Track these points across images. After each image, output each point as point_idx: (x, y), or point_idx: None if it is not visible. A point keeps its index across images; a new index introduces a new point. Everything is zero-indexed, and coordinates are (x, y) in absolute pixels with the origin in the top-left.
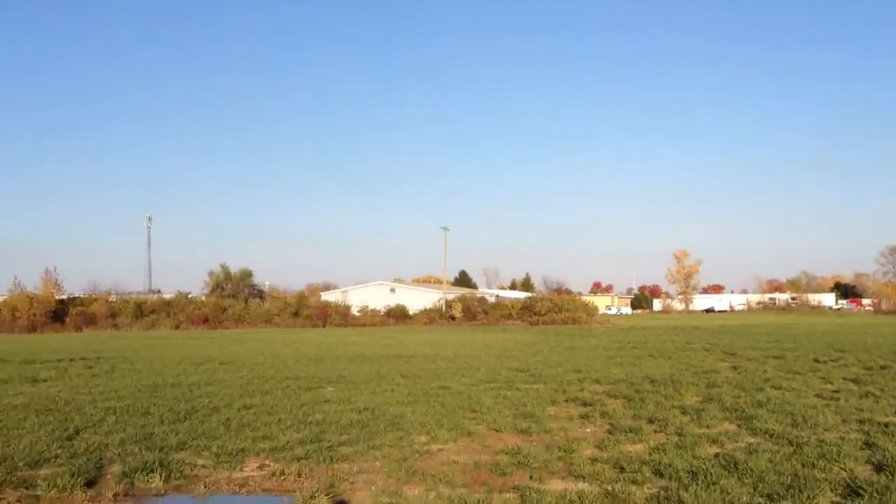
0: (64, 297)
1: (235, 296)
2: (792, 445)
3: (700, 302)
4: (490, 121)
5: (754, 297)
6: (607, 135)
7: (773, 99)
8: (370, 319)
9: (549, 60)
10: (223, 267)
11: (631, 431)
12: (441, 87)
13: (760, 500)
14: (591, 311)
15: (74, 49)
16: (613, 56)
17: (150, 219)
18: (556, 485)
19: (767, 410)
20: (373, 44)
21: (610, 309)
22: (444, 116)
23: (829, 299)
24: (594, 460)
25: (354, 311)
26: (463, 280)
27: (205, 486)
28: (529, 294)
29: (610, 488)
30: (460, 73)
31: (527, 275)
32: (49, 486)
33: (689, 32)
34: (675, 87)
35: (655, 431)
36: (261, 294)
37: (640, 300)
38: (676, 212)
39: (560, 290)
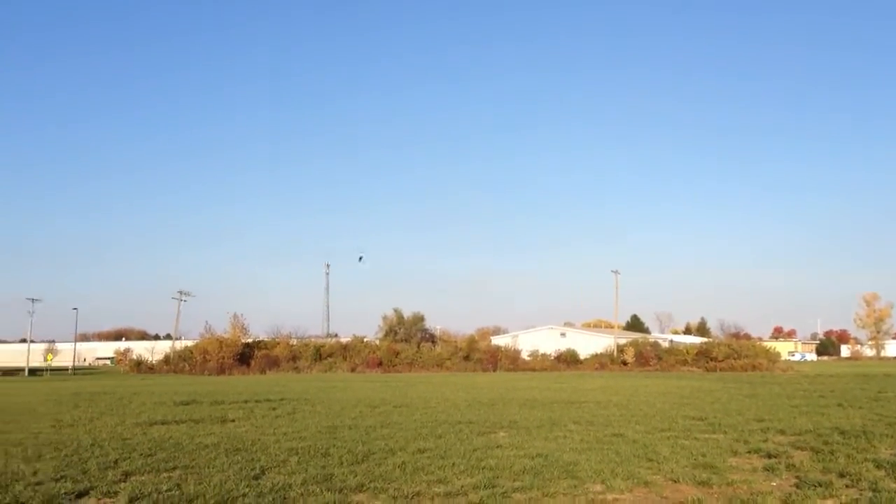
0: (249, 340)
1: (408, 340)
2: None
3: (893, 348)
4: (666, 158)
5: None
6: (786, 174)
7: None
8: (540, 364)
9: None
10: (396, 311)
11: (820, 486)
12: (614, 126)
13: None
14: (772, 357)
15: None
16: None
17: (328, 265)
18: None
19: None
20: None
21: (793, 355)
22: (617, 156)
23: None
24: None
25: (524, 355)
26: (635, 324)
27: None
28: (705, 339)
29: None
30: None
31: (702, 319)
32: None
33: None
34: (851, 126)
35: (847, 486)
36: (432, 338)
37: (826, 346)
38: (863, 253)
39: (738, 336)
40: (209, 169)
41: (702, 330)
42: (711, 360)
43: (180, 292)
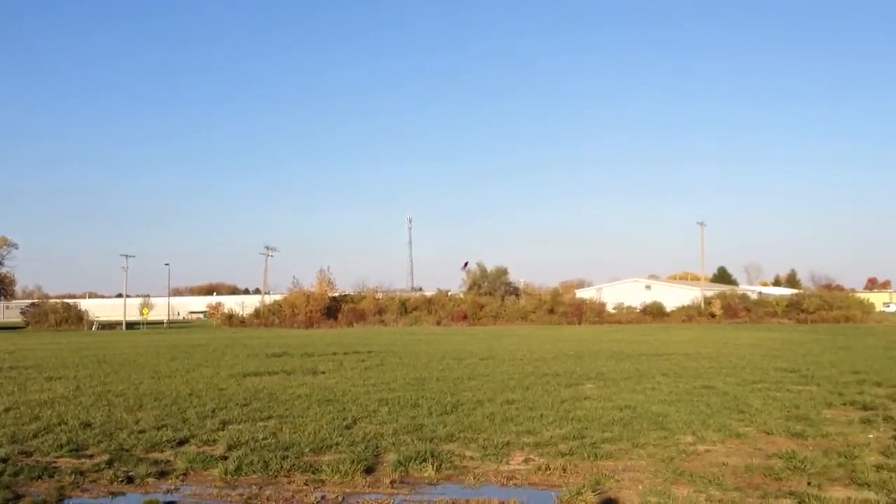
0: (336, 294)
1: (492, 293)
2: None
3: None
4: (748, 110)
5: None
6: (874, 122)
7: None
8: (626, 316)
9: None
10: (479, 265)
11: None
12: (697, 79)
13: None
14: (866, 308)
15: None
16: None
17: (410, 220)
18: (838, 492)
19: None
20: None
21: (888, 306)
22: (698, 107)
23: None
24: (879, 468)
25: (609, 308)
26: (722, 276)
27: (474, 478)
28: (796, 291)
29: None
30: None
31: (792, 270)
32: (332, 471)
33: None
34: None
35: None
36: (516, 291)
37: None
38: None
39: (830, 287)
40: (294, 125)
41: (792, 281)
42: (802, 311)
43: (267, 247)
